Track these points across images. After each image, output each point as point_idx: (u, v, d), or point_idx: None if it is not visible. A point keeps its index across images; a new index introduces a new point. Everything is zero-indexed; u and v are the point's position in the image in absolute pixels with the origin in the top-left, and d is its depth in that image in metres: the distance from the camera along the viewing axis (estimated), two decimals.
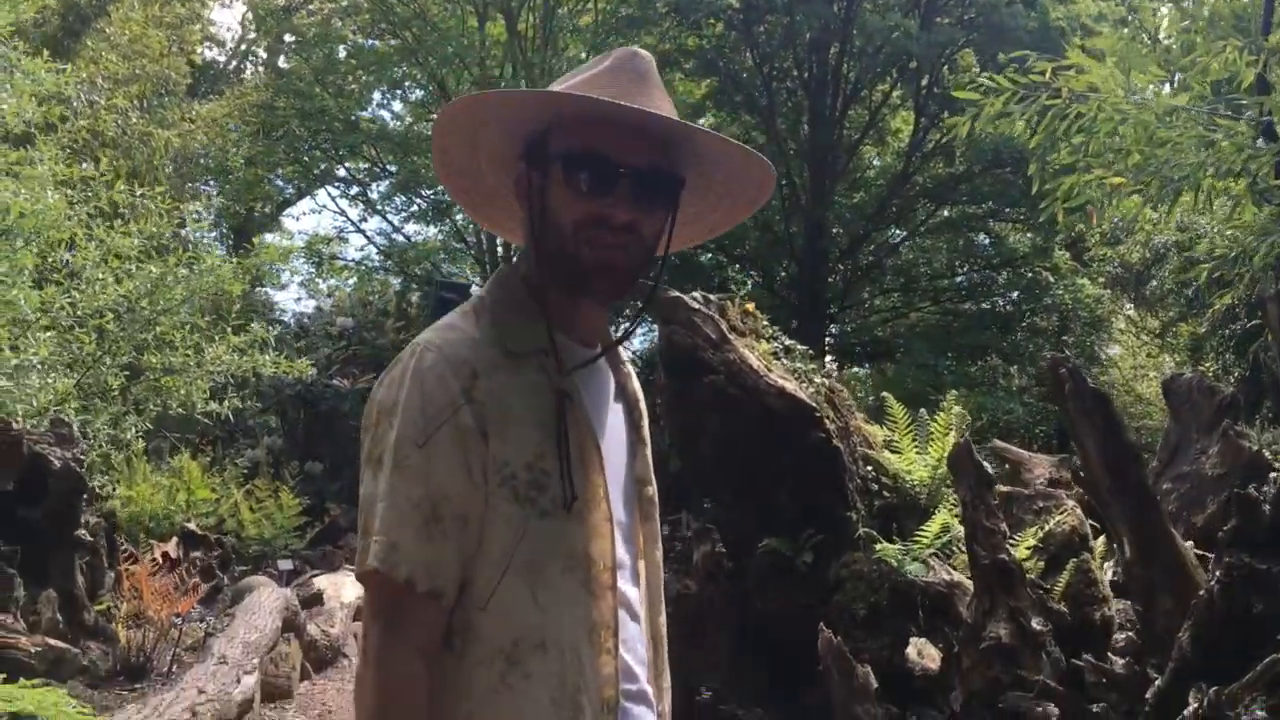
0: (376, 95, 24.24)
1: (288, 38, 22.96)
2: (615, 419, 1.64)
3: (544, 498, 1.45)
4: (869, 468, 6.17)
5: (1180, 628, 3.95)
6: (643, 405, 1.73)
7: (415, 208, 23.60)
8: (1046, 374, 4.57)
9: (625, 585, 1.57)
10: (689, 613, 6.08)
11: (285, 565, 10.62)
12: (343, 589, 9.79)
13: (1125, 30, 7.18)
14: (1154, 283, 19.70)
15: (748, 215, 1.75)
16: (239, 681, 6.39)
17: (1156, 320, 21.07)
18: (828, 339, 23.65)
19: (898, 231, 22.86)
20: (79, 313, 7.64)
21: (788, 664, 5.84)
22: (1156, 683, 3.99)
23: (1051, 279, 20.10)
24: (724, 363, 5.92)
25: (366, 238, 25.38)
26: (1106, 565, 5.44)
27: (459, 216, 22.85)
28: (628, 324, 1.87)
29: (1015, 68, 6.43)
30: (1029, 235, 20.35)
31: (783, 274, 22.57)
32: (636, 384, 1.73)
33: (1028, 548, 5.27)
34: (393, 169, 22.89)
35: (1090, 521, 5.56)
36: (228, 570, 10.10)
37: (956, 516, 5.19)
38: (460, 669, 1.43)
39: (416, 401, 1.40)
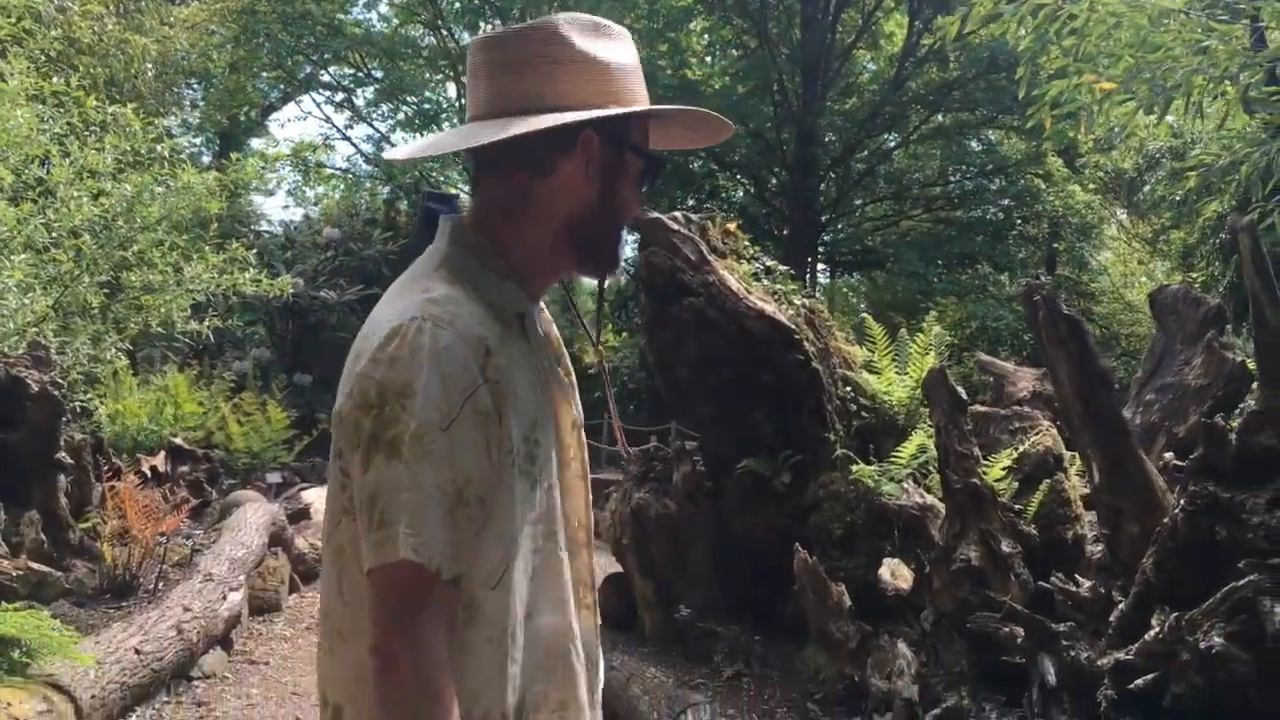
0: None
1: None
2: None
3: (534, 467, 1.44)
4: (848, 388, 6.18)
5: (1146, 553, 3.99)
6: (561, 345, 1.70)
7: (402, 115, 23.30)
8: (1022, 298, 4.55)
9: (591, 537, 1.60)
10: (669, 532, 6.16)
11: (273, 478, 10.70)
12: None
13: None
14: (1146, 190, 19.60)
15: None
16: (225, 598, 6.49)
17: (1148, 228, 21.00)
18: (820, 248, 23.57)
19: (890, 138, 22.63)
20: (54, 233, 7.53)
21: (765, 582, 5.93)
22: (1120, 606, 4.05)
23: (1043, 186, 19.96)
24: (703, 284, 5.89)
25: (353, 145, 25.14)
26: (1080, 483, 5.47)
27: (446, 124, 22.56)
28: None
29: None
30: (1022, 142, 20.15)
31: (774, 182, 22.39)
32: (554, 326, 1.71)
33: (1002, 468, 5.30)
34: (378, 75, 22.55)
35: (1069, 437, 5.59)
36: (216, 484, 10.15)
37: (933, 438, 5.21)
38: (464, 646, 1.39)
39: (436, 383, 1.34)
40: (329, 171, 26.25)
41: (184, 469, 9.95)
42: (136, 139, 7.91)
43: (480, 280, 1.48)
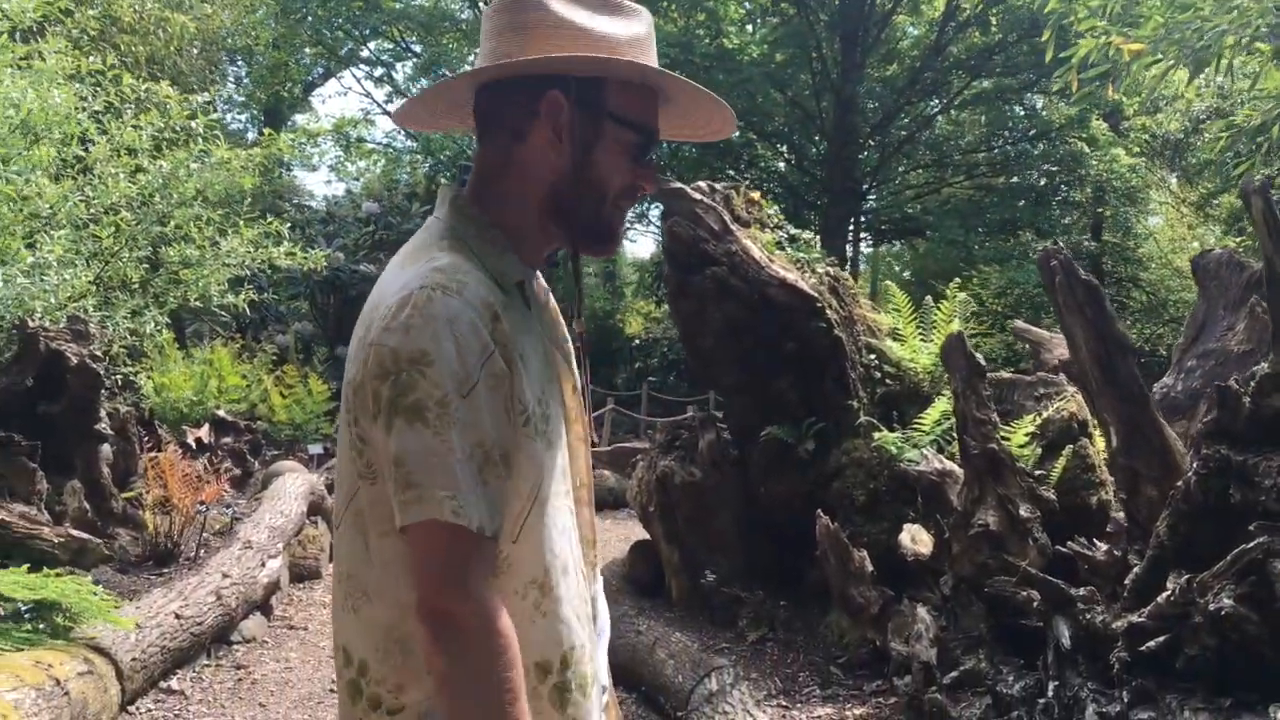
0: None
1: None
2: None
3: (549, 428, 1.48)
4: (872, 356, 6.19)
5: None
6: (555, 307, 1.73)
7: None
8: (1040, 264, 4.53)
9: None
10: (694, 499, 6.22)
11: (315, 449, 10.88)
12: None
13: None
14: (1195, 152, 19.24)
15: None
16: (264, 565, 6.63)
17: (1196, 192, 20.64)
18: (861, 217, 23.42)
19: (932, 104, 22.37)
20: (93, 209, 7.69)
21: (789, 548, 5.98)
22: (1135, 569, 4.05)
23: (1087, 150, 19.65)
24: (726, 254, 5.92)
25: (393, 119, 25.30)
26: (1106, 449, 5.46)
27: None
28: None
29: None
30: (1065, 106, 19.86)
31: (814, 151, 22.24)
32: (550, 295, 1.73)
33: (1025, 434, 5.30)
34: (417, 49, 22.65)
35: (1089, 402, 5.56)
36: (258, 455, 10.35)
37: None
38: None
39: (451, 350, 1.37)
40: (369, 146, 26.45)
41: (227, 440, 10.16)
42: (173, 116, 8.04)
43: (481, 249, 1.50)
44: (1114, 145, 19.65)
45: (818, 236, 6.81)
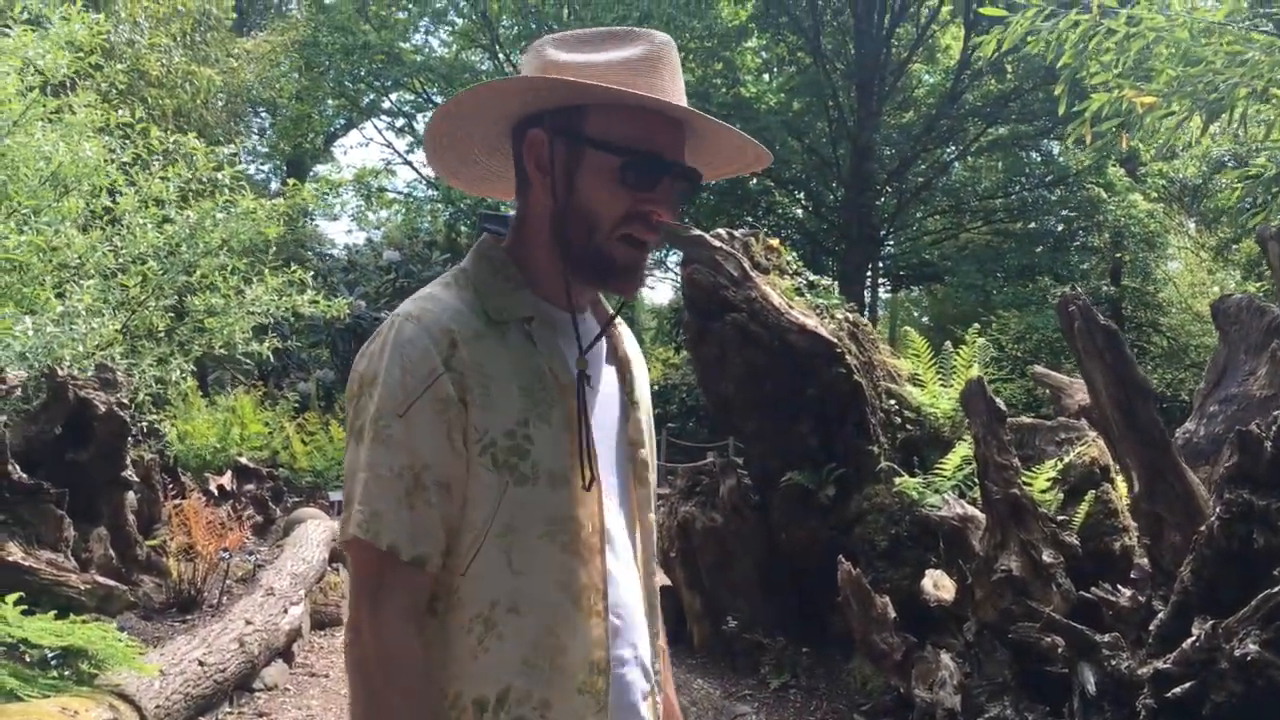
0: (423, 23, 24.19)
1: None
2: (608, 381, 1.63)
3: (524, 464, 1.45)
4: (892, 401, 6.20)
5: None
6: (636, 367, 1.71)
7: None
8: (1058, 310, 4.55)
9: (616, 548, 1.56)
10: (716, 545, 6.23)
11: (336, 496, 10.89)
12: None
13: None
14: (1213, 197, 19.25)
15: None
16: (286, 612, 6.64)
17: (1215, 237, 20.62)
18: (879, 262, 23.48)
19: (948, 151, 22.50)
20: (121, 259, 7.81)
21: (811, 594, 5.97)
22: (1160, 615, 4.03)
23: (1105, 195, 19.69)
24: (745, 300, 5.96)
25: (414, 169, 25.56)
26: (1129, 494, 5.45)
27: None
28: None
29: None
30: (1082, 152, 19.93)
31: (831, 197, 22.36)
32: (630, 345, 1.72)
33: (1047, 479, 5.29)
34: (438, 100, 22.92)
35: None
36: (280, 502, 10.39)
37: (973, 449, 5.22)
38: (442, 634, 1.45)
39: (396, 372, 1.41)
40: (390, 196, 26.73)
41: (249, 487, 10.22)
42: (200, 167, 8.19)
43: (485, 284, 1.53)
44: (1131, 191, 19.69)
45: (836, 282, 6.85)
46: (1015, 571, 4.61)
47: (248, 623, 6.02)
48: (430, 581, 1.43)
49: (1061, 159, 21.51)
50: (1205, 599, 3.84)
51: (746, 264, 6.07)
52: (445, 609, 1.45)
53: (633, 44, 1.52)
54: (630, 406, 1.67)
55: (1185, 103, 6.03)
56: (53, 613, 4.80)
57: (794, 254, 6.75)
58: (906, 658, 5.03)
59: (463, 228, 21.31)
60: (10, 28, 7.38)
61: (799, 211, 23.53)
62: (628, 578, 1.59)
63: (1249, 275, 18.32)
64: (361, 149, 42.93)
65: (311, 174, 24.41)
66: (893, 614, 5.13)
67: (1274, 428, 3.67)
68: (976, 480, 5.50)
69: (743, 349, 5.93)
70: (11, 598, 4.61)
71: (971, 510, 5.19)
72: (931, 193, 22.44)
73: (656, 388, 23.83)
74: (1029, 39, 6.59)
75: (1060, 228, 21.53)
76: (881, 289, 26.71)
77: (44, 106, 7.45)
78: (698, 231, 6.19)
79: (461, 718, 1.44)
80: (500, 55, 22.16)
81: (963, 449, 5.78)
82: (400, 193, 26.99)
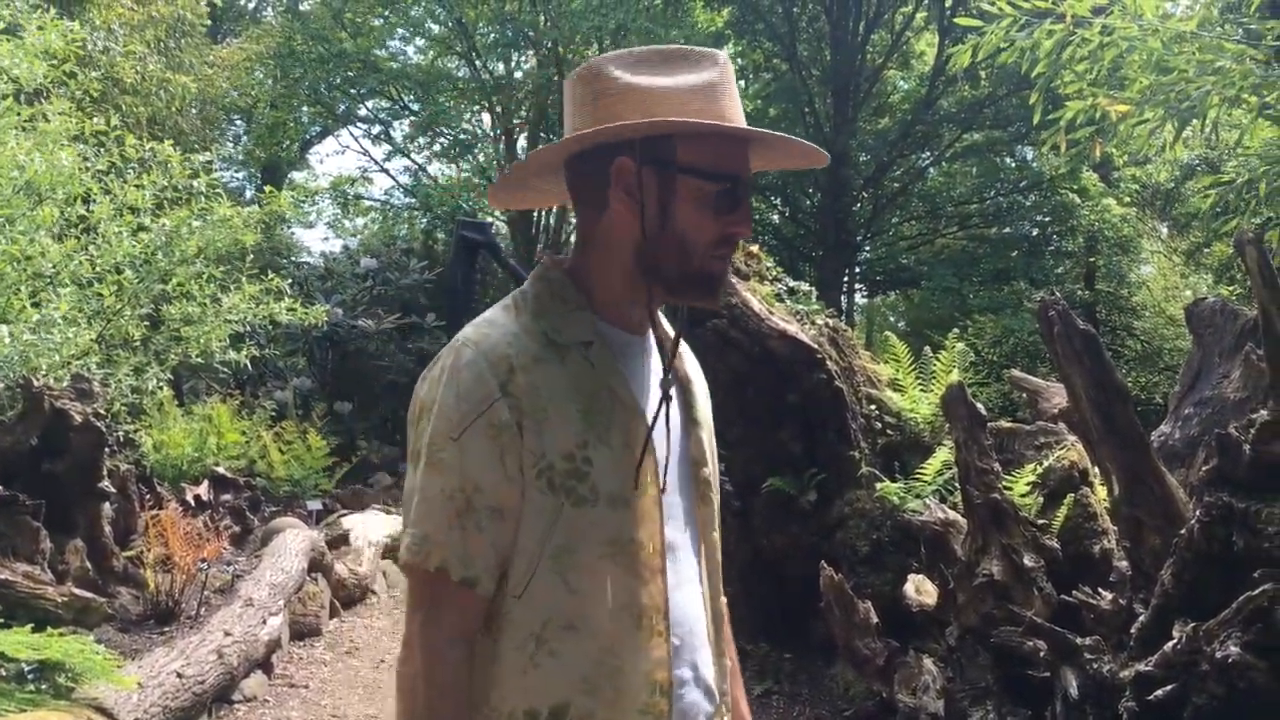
0: (399, 31, 24.12)
1: None
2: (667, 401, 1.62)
3: (582, 486, 1.46)
4: (872, 406, 6.23)
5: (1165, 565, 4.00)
6: (696, 387, 1.72)
7: (438, 146, 23.58)
8: (1037, 313, 4.58)
9: (679, 568, 1.56)
10: None
11: (314, 505, 10.83)
12: (370, 527, 10.01)
13: None
14: (1185, 202, 19.44)
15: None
16: (265, 623, 6.60)
17: (1187, 241, 20.82)
18: (856, 268, 23.57)
19: (924, 157, 22.63)
20: (96, 268, 7.75)
21: (794, 600, 5.97)
22: (1141, 618, 4.06)
23: (1079, 201, 19.86)
24: (726, 306, 5.97)
25: (391, 177, 25.46)
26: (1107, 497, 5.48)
27: (480, 156, 22.82)
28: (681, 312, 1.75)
29: None
30: (1056, 158, 20.10)
31: (808, 204, 22.45)
32: (690, 364, 1.73)
33: (1026, 484, 5.32)
34: (415, 108, 22.87)
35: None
36: (258, 512, 10.32)
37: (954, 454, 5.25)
38: (494, 654, 1.47)
39: (451, 398, 1.44)
40: (367, 204, 26.64)
41: (226, 497, 10.14)
42: (175, 175, 8.14)
43: (544, 307, 1.54)
44: (1105, 196, 19.87)
45: (814, 288, 6.87)
46: (997, 576, 4.63)
47: (226, 634, 5.98)
48: (482, 603, 1.46)
49: (1036, 165, 21.67)
50: (1186, 602, 3.86)
51: None
52: (498, 630, 1.48)
53: (701, 67, 1.53)
54: (692, 425, 1.67)
55: (1158, 110, 6.08)
56: (29, 626, 4.75)
57: (772, 260, 6.77)
58: (889, 663, 5.05)
59: (440, 235, 21.25)
60: None
61: (775, 218, 23.60)
62: (691, 597, 1.59)
63: (1221, 279, 18.49)
64: (338, 156, 42.87)
65: (288, 181, 24.30)
66: (875, 619, 5.15)
67: (1252, 430, 3.70)
68: (957, 485, 5.53)
69: (723, 355, 5.94)
70: None
71: (953, 515, 5.21)
72: (907, 198, 22.56)
73: None
74: (1003, 49, 6.64)
75: (1035, 232, 21.69)
76: (859, 294, 26.86)
77: (18, 115, 7.40)
78: None
79: None
80: (477, 62, 22.12)
81: (943, 454, 5.81)
82: (377, 200, 26.92)
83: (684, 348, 1.71)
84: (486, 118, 23.62)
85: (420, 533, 1.44)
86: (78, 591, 5.59)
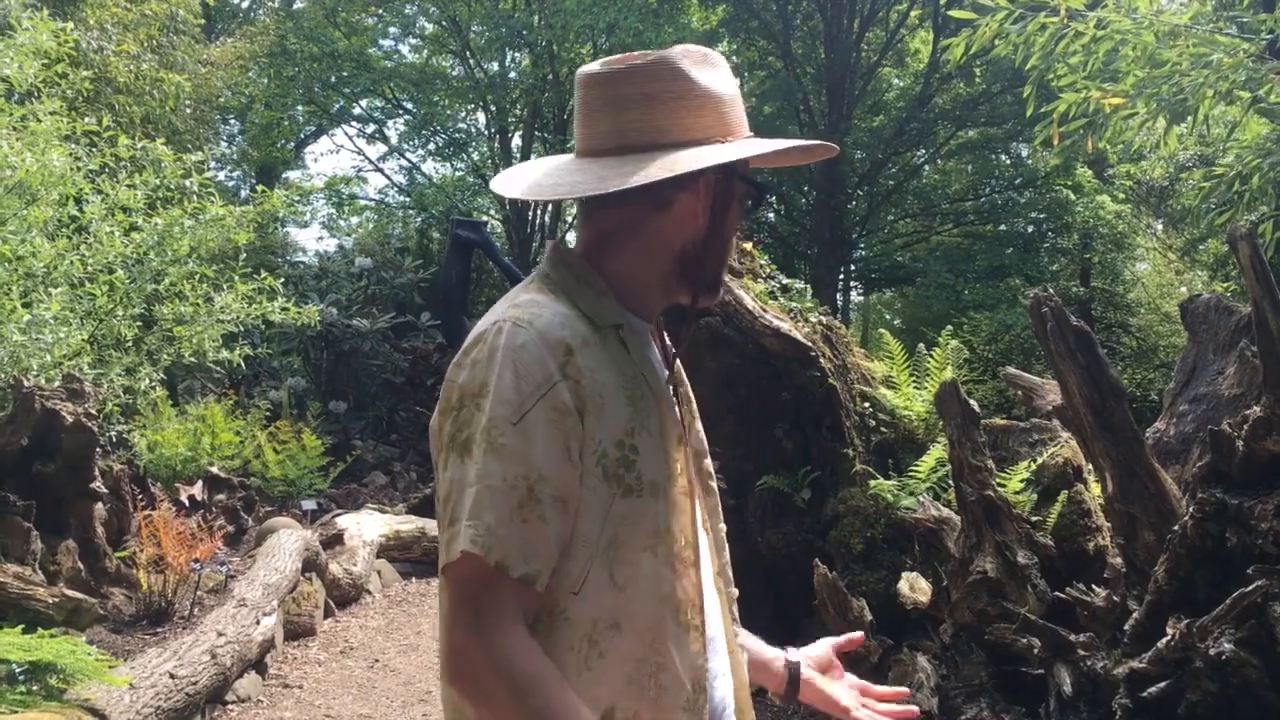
0: (392, 30, 24.13)
1: None
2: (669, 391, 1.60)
3: (630, 475, 1.42)
4: (866, 404, 6.22)
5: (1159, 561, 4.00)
6: (686, 380, 1.70)
7: (433, 145, 23.58)
8: (1031, 310, 4.57)
9: (701, 561, 1.53)
10: None
11: (308, 505, 10.79)
12: (365, 527, 9.97)
13: None
14: (1180, 199, 19.46)
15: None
16: (258, 623, 6.58)
17: (1182, 238, 20.85)
18: (851, 265, 23.59)
19: (918, 154, 22.65)
20: (88, 268, 7.73)
21: (788, 597, 5.96)
22: (1134, 614, 4.05)
23: (1073, 197, 19.88)
24: (720, 304, 5.95)
25: (385, 176, 25.44)
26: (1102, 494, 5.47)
27: (475, 155, 22.81)
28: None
29: None
30: (1050, 155, 20.12)
31: (803, 201, 22.45)
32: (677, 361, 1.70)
33: (1020, 481, 5.32)
34: (409, 106, 22.86)
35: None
36: (252, 512, 10.29)
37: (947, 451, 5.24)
38: (548, 654, 1.37)
39: (510, 379, 1.35)
40: (362, 203, 26.63)
41: (220, 497, 10.11)
42: (168, 174, 8.12)
43: (575, 291, 1.50)
44: (1099, 193, 19.89)
45: (808, 286, 6.86)
46: (990, 573, 4.63)
47: (219, 634, 5.96)
48: (537, 601, 1.36)
49: (1030, 161, 21.70)
50: (1179, 598, 3.86)
51: None
52: (548, 629, 1.39)
53: (727, 72, 1.56)
54: (692, 417, 1.67)
55: (1150, 103, 6.08)
56: (20, 627, 4.73)
57: (766, 258, 6.76)
58: (883, 660, 5.04)
59: (435, 234, 21.23)
60: None
61: (771, 215, 23.59)
62: (711, 589, 1.57)
63: (1216, 275, 18.52)
64: (332, 155, 42.77)
65: (282, 180, 24.27)
66: (869, 617, 5.14)
67: (1245, 427, 3.69)
68: (951, 482, 5.52)
69: (717, 353, 5.92)
70: None
71: (946, 512, 5.20)
72: (902, 196, 22.58)
73: None
74: (997, 42, 6.63)
75: (1030, 229, 21.73)
76: (854, 292, 26.87)
77: (10, 115, 7.38)
78: None
79: None
80: (471, 61, 22.10)
81: (937, 451, 5.80)
82: (372, 199, 26.90)
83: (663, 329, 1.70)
84: (481, 116, 23.63)
85: (482, 525, 1.31)
86: (69, 592, 5.57)
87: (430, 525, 10.16)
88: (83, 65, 10.15)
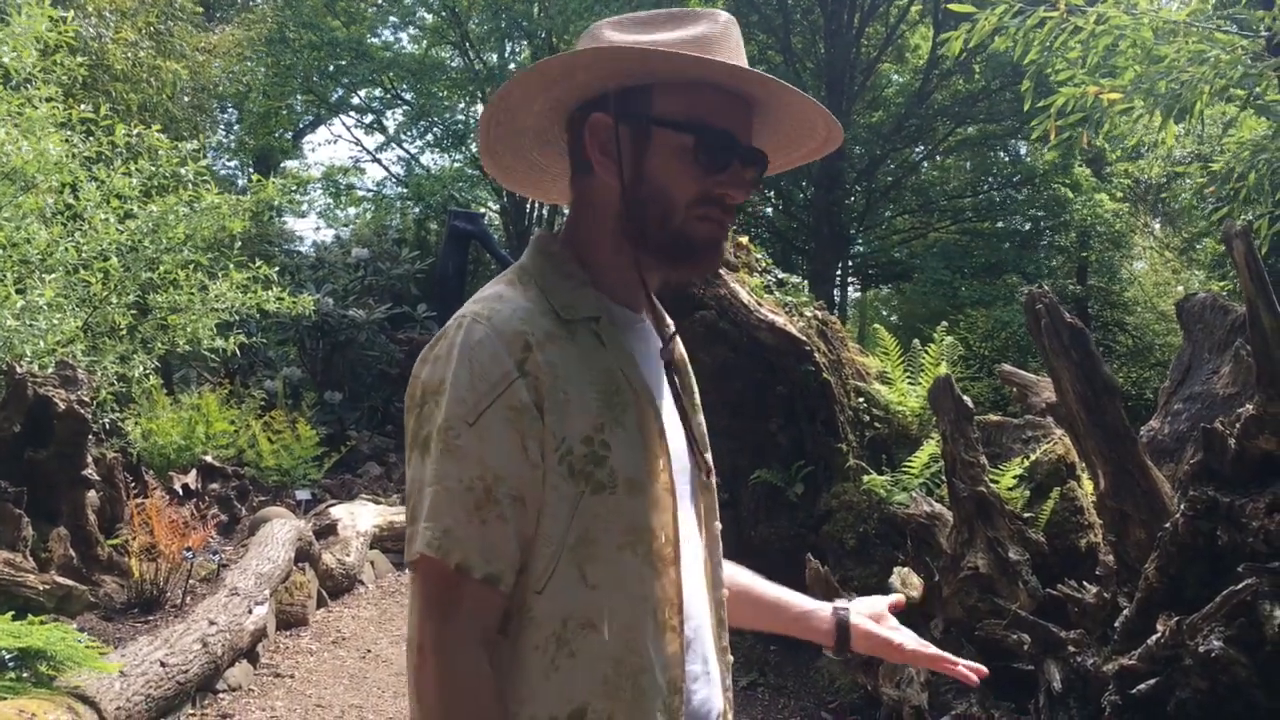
0: (391, 19, 24.07)
1: None
2: (666, 385, 1.55)
3: (601, 471, 1.37)
4: (860, 399, 6.21)
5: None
6: (689, 370, 1.64)
7: (431, 136, 23.54)
8: (1026, 307, 4.56)
9: (685, 559, 1.48)
10: None
11: (303, 495, 10.79)
12: (358, 517, 9.98)
13: None
14: (1177, 197, 19.48)
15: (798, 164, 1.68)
16: (250, 612, 6.58)
17: (1179, 236, 20.86)
18: (849, 261, 23.58)
19: (917, 151, 22.64)
20: (83, 255, 7.70)
21: None
22: (1125, 611, 4.05)
23: (1071, 195, 19.88)
24: (715, 298, 5.95)
25: (383, 167, 25.40)
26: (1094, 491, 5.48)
27: (473, 147, 22.76)
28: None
29: None
30: (1049, 152, 20.11)
31: (801, 196, 22.43)
32: (682, 348, 1.64)
33: (1013, 477, 5.31)
34: (408, 97, 22.82)
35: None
36: (246, 501, 10.29)
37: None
38: (515, 654, 1.36)
39: (465, 378, 1.32)
40: (359, 193, 26.60)
41: (214, 486, 10.12)
42: (164, 162, 8.09)
43: (549, 283, 1.45)
44: (1097, 191, 19.88)
45: (805, 281, 6.85)
46: (982, 569, 4.63)
47: (211, 623, 5.96)
48: (503, 601, 1.35)
49: (1028, 159, 21.70)
50: (1170, 596, 3.86)
51: None
52: (517, 629, 1.37)
53: (696, 23, 1.45)
54: (692, 410, 1.61)
55: (1147, 99, 6.07)
56: (10, 613, 4.73)
57: (763, 252, 6.75)
58: None
59: (432, 225, 21.21)
60: None
61: (769, 210, 23.58)
62: (697, 589, 1.52)
63: (1212, 274, 18.51)
64: (330, 145, 42.67)
65: (279, 169, 24.22)
66: None
67: (1238, 425, 3.69)
68: (944, 478, 5.52)
69: (711, 346, 5.92)
70: None
71: (939, 508, 5.20)
72: (900, 192, 22.57)
73: None
74: (996, 36, 6.62)
75: (1027, 227, 21.72)
76: (851, 288, 26.86)
77: (7, 103, 7.35)
78: None
79: None
80: (470, 52, 22.06)
81: (930, 447, 5.80)
82: (369, 190, 26.87)
83: (670, 324, 1.64)
84: (480, 108, 23.58)
85: (440, 527, 1.30)
86: (59, 579, 5.56)
87: None
88: (80, 52, 10.12)
